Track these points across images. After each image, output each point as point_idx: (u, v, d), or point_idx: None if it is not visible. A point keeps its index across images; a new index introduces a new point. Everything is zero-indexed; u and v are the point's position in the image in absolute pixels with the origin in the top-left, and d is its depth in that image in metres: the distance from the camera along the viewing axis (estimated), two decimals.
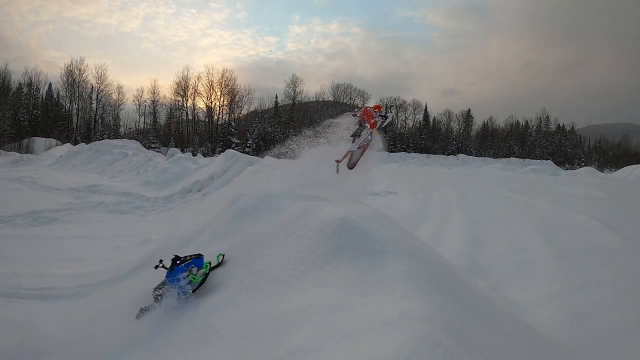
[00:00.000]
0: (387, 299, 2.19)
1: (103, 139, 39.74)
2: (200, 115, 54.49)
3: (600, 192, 13.94)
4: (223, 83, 54.31)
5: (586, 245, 5.62)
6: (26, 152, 30.73)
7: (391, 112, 4.02)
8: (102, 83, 50.52)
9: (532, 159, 51.42)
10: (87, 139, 41.15)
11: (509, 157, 52.84)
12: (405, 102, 62.28)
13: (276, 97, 56.62)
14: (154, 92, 53.45)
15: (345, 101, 60.78)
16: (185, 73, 59.97)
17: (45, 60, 77.48)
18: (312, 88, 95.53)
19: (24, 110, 44.99)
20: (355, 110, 4.35)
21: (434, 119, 62.86)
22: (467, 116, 62.47)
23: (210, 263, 3.06)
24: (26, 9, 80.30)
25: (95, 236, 6.98)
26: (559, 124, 63.37)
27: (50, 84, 49.22)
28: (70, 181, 14.83)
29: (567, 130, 63.54)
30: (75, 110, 50.18)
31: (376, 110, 4.12)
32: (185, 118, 54.51)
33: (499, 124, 64.22)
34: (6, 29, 65.45)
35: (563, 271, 4.75)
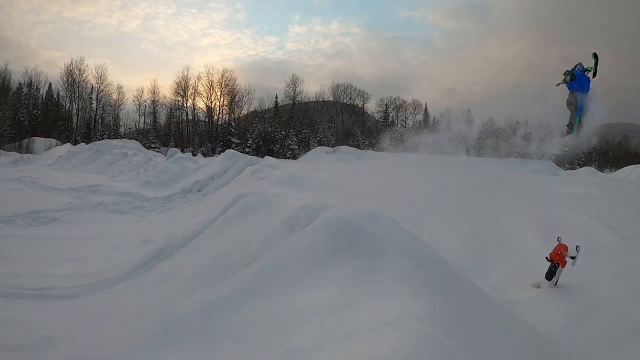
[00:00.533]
0: (387, 299, 2.19)
1: (103, 139, 39.78)
2: (200, 115, 54.54)
3: (600, 192, 13.92)
4: (223, 83, 54.36)
5: (586, 245, 5.60)
6: (26, 152, 30.74)
7: (578, 251, 4.17)
8: (102, 83, 50.60)
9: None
10: (87, 139, 41.16)
11: (509, 157, 52.81)
12: (405, 102, 62.30)
13: (276, 97, 56.64)
14: (154, 92, 53.50)
15: (345, 101, 60.79)
16: (185, 73, 59.83)
17: (45, 60, 77.50)
18: (312, 88, 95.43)
19: (24, 110, 45.01)
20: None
21: (434, 119, 62.91)
22: (467, 116, 62.48)
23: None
24: (26, 9, 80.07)
25: (95, 236, 6.98)
26: None
27: (50, 84, 49.31)
28: (70, 181, 14.83)
29: None
30: (75, 110, 50.24)
31: (565, 252, 4.25)
32: (185, 118, 54.54)
33: (498, 124, 64.21)
34: (6, 29, 65.49)
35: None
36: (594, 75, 5.09)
